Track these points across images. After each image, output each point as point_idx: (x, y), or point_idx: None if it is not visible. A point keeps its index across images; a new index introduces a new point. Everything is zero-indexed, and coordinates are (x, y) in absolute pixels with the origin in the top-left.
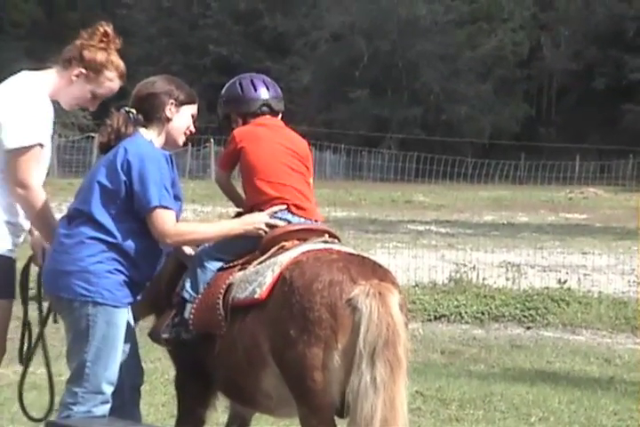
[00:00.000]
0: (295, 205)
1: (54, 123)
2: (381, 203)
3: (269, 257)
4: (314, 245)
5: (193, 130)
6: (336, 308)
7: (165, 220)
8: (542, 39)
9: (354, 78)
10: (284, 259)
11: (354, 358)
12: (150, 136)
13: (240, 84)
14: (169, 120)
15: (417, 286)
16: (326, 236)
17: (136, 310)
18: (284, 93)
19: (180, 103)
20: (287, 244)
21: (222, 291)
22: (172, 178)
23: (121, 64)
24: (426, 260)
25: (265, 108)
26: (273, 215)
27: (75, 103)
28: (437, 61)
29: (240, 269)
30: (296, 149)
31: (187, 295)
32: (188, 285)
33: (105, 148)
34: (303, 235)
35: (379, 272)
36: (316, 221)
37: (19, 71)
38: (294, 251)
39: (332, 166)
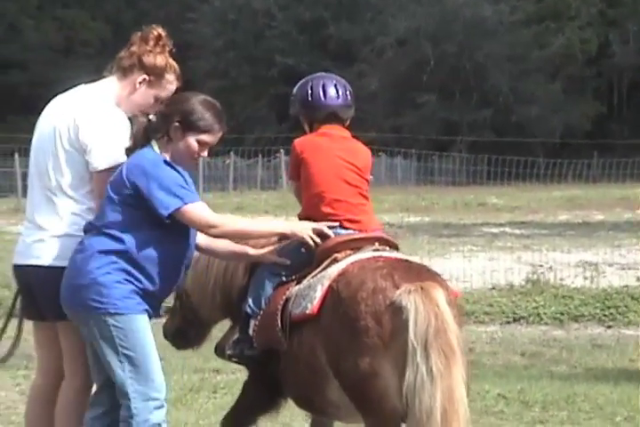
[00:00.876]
0: (348, 220)
1: None
2: (454, 207)
3: (321, 270)
4: (363, 254)
5: (204, 155)
6: (381, 315)
7: (201, 211)
8: (610, 36)
9: (421, 83)
10: (333, 271)
11: (407, 355)
12: (159, 150)
13: (311, 87)
14: (170, 141)
15: (494, 288)
16: (377, 244)
17: (208, 315)
18: (352, 101)
19: (187, 129)
20: (339, 255)
21: (280, 307)
22: (184, 177)
23: (176, 65)
24: (502, 262)
25: (331, 117)
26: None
27: (138, 110)
28: (505, 62)
29: (297, 284)
30: (356, 161)
31: (249, 311)
32: (250, 300)
33: (129, 154)
34: (355, 244)
35: (424, 276)
36: (373, 231)
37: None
38: (343, 262)
39: (403, 172)
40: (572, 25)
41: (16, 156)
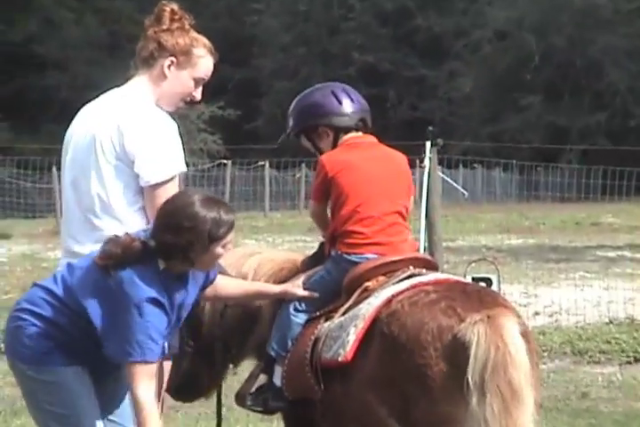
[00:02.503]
0: (375, 243)
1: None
2: (563, 226)
3: (352, 304)
4: (399, 285)
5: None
6: (454, 355)
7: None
8: None
9: (524, 82)
10: (368, 310)
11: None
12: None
13: (334, 94)
14: (193, 264)
15: (611, 322)
16: (411, 267)
17: (231, 355)
18: (442, 103)
19: (211, 243)
20: (370, 284)
21: (309, 349)
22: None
23: (204, 38)
24: (620, 292)
25: (361, 124)
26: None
27: (180, 99)
28: (623, 57)
29: (326, 320)
30: (392, 170)
31: (273, 353)
32: (274, 341)
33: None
34: (387, 269)
35: (488, 301)
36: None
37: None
38: (379, 296)
39: (502, 186)
40: None
41: (54, 170)
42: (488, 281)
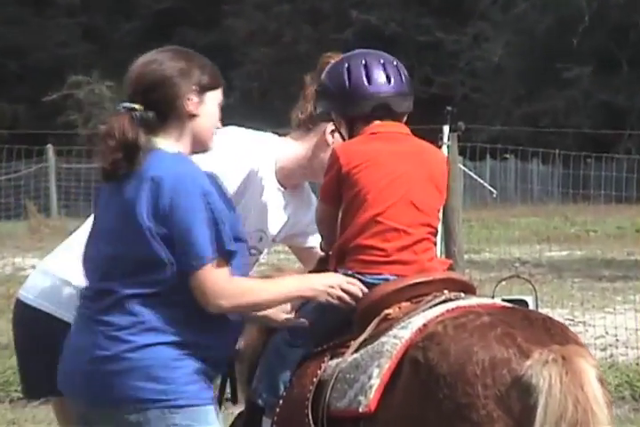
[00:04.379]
0: (396, 261)
1: None
2: (620, 235)
3: (370, 338)
4: (432, 310)
5: (220, 126)
6: (510, 399)
7: (217, 277)
8: None
9: (570, 49)
10: (394, 345)
11: None
12: (169, 144)
13: (348, 68)
14: (193, 117)
15: None
16: (446, 292)
17: None
18: (464, 76)
19: (203, 89)
20: (392, 311)
21: (310, 395)
22: (226, 210)
23: None
24: None
25: (381, 111)
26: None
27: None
28: None
29: (332, 357)
30: (429, 169)
31: (260, 402)
32: (263, 386)
33: (111, 175)
34: (414, 292)
35: (557, 334)
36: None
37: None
38: (405, 330)
39: (541, 183)
40: None
41: None
42: (523, 304)
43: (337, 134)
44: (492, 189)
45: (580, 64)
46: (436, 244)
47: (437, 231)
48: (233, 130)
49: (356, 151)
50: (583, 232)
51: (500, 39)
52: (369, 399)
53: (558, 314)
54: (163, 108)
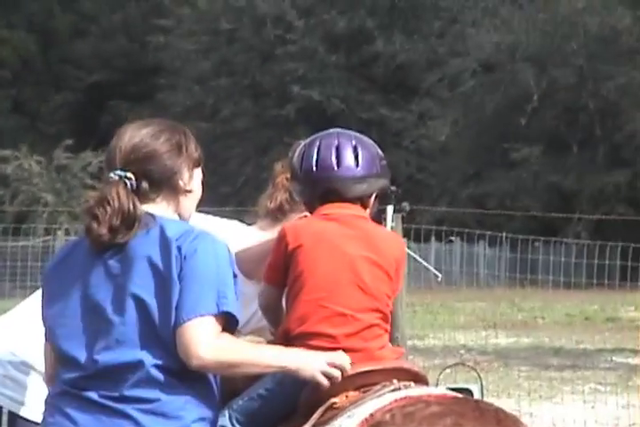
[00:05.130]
0: (348, 349)
1: (60, 212)
2: (569, 322)
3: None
4: (380, 399)
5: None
6: None
7: (210, 330)
8: None
9: (519, 130)
10: None
11: None
12: (163, 213)
13: (303, 153)
14: (186, 192)
15: None
16: (395, 381)
17: None
18: (409, 156)
19: (194, 165)
20: (338, 400)
21: None
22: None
23: None
24: None
25: (332, 195)
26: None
27: None
28: None
29: None
30: (378, 257)
31: None
32: None
33: (106, 244)
34: (362, 381)
35: (506, 424)
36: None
37: None
38: (352, 418)
39: (488, 267)
40: None
41: None
42: (467, 393)
43: None
44: (436, 273)
45: (528, 145)
46: (387, 331)
47: (389, 318)
48: (196, 216)
49: (304, 229)
50: (531, 319)
51: (446, 117)
52: None
53: (504, 404)
54: (157, 181)
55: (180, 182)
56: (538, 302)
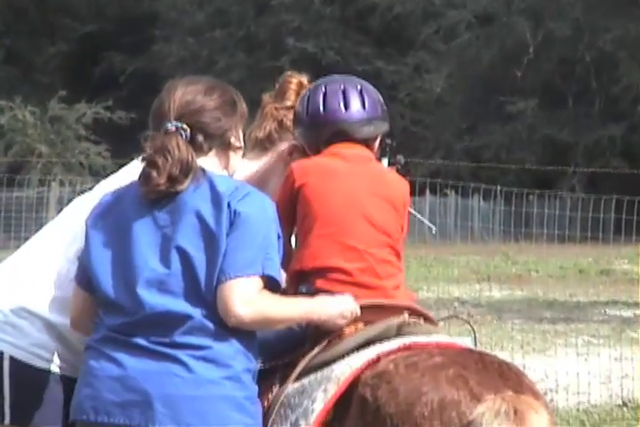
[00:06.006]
0: (361, 285)
1: (54, 163)
2: (563, 275)
3: (323, 363)
4: (388, 343)
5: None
6: None
7: (250, 288)
8: None
9: (514, 82)
10: (344, 372)
11: None
12: (214, 169)
13: (309, 96)
14: (236, 149)
15: (625, 405)
16: (406, 315)
17: None
18: (403, 108)
19: (242, 122)
20: (347, 329)
21: None
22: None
23: None
24: (638, 364)
25: (339, 137)
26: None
27: None
28: None
29: (282, 379)
30: (387, 192)
31: None
32: None
33: (163, 192)
34: (372, 315)
35: (511, 379)
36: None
37: None
38: (359, 358)
39: (482, 220)
40: None
41: None
42: None
43: (295, 155)
44: (431, 226)
45: (524, 97)
46: (401, 270)
47: (401, 256)
48: None
49: (311, 167)
50: (524, 272)
51: (441, 70)
52: (309, 423)
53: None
54: (211, 134)
55: (233, 138)
56: (532, 256)
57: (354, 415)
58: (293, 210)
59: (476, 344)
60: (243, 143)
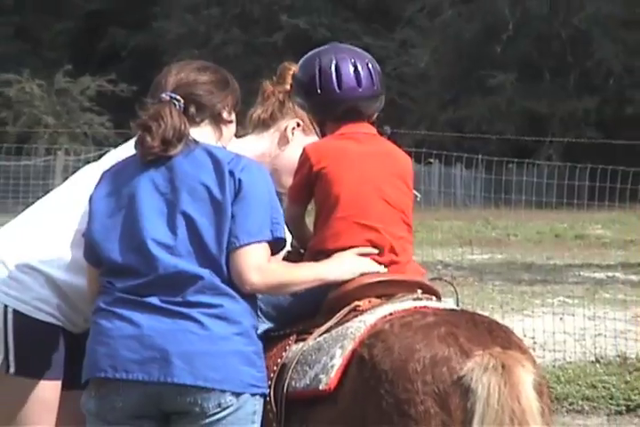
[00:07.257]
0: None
1: (60, 133)
2: (539, 239)
3: (337, 324)
4: (399, 304)
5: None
6: (447, 396)
7: (260, 255)
8: None
9: (494, 57)
10: (360, 327)
11: None
12: (207, 140)
13: (319, 69)
14: (227, 123)
15: (598, 361)
16: (419, 291)
17: None
18: (390, 81)
19: (235, 103)
20: (362, 303)
21: (272, 376)
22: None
23: None
24: (610, 323)
25: (351, 114)
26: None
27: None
28: (619, 28)
29: (297, 341)
30: (397, 170)
31: None
32: None
33: (156, 156)
34: (385, 290)
35: (500, 336)
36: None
37: None
38: (371, 315)
39: (465, 187)
40: None
41: None
42: None
43: (297, 131)
44: (416, 193)
45: (504, 71)
46: (411, 243)
47: (412, 229)
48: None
49: (327, 150)
50: (504, 236)
51: (426, 46)
52: (329, 378)
53: None
54: (203, 106)
55: (224, 112)
56: (510, 221)
57: (353, 373)
58: (310, 192)
59: (458, 305)
60: (234, 118)
